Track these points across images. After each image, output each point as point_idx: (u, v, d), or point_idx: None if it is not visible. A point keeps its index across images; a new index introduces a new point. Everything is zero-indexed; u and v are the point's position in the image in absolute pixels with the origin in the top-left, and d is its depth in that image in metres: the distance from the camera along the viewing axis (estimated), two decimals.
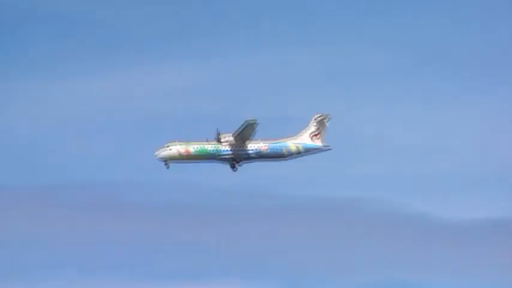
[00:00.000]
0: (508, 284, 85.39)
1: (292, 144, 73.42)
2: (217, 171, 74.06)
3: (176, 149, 69.64)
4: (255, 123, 66.57)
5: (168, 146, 69.49)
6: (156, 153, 69.66)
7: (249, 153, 70.52)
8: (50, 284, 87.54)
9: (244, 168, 71.28)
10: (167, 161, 70.05)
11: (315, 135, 73.63)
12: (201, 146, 70.77)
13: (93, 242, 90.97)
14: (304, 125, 74.90)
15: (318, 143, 73.52)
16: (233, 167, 70.32)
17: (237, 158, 70.23)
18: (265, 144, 72.46)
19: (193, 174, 76.26)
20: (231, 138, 68.73)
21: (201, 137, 71.42)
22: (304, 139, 73.11)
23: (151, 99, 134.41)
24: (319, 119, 71.92)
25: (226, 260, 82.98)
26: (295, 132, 74.51)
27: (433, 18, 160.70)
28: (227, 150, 69.68)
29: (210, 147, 70.39)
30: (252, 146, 70.73)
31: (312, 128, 73.46)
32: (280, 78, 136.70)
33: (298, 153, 72.88)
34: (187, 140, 70.80)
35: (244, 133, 67.92)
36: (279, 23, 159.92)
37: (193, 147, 70.18)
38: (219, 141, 69.68)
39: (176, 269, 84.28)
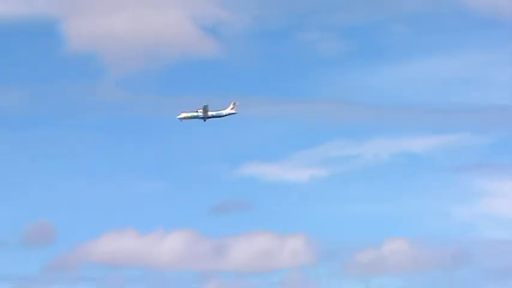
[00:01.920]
0: None
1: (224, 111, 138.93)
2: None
3: (184, 115, 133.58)
4: (207, 105, 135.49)
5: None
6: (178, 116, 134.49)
7: (208, 117, 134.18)
8: None
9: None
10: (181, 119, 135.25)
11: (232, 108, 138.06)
12: (193, 113, 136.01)
13: None
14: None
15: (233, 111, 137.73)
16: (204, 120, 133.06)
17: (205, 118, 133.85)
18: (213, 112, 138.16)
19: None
20: (201, 111, 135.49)
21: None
22: (228, 110, 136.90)
23: None
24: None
25: None
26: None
27: None
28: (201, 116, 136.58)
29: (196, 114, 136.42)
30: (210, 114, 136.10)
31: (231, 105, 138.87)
32: None
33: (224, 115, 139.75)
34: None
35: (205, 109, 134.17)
36: None
37: (190, 114, 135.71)
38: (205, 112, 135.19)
39: None
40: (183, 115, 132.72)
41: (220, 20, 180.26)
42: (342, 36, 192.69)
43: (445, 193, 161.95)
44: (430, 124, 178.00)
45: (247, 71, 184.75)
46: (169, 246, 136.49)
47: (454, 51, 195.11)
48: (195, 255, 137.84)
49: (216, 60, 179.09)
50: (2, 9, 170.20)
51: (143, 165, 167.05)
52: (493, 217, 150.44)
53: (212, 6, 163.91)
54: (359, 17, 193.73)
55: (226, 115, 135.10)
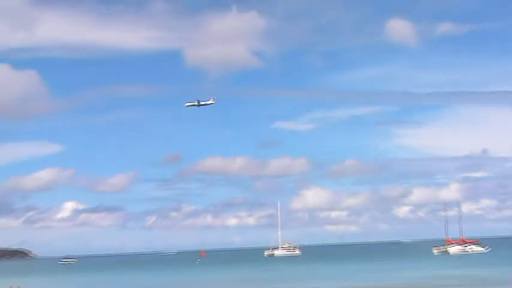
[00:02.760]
0: None
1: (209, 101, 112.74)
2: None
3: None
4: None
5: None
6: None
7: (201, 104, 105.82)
8: None
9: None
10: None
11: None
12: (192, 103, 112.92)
13: None
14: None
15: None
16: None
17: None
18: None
19: None
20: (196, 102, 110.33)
21: None
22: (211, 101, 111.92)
23: None
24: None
25: None
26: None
27: None
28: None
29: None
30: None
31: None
32: None
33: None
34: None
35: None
36: None
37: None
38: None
39: None
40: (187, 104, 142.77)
41: None
42: None
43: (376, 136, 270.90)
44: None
45: None
46: (239, 161, 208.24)
47: None
48: (250, 168, 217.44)
49: None
50: (147, 45, 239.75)
51: None
52: (401, 147, 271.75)
53: None
54: None
55: (210, 104, 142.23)
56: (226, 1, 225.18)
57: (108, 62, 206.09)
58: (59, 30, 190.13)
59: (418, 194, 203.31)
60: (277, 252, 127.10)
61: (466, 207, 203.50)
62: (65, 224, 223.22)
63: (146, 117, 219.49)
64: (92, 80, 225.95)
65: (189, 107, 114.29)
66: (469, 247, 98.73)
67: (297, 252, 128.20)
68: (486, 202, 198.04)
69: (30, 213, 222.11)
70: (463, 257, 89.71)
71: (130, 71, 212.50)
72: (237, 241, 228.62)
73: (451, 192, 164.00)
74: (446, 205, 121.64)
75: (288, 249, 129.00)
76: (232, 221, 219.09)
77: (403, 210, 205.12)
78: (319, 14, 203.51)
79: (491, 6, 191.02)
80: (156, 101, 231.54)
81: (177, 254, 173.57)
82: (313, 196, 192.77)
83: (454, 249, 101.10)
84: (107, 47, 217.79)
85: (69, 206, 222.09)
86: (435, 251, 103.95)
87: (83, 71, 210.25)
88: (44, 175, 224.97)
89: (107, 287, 61.20)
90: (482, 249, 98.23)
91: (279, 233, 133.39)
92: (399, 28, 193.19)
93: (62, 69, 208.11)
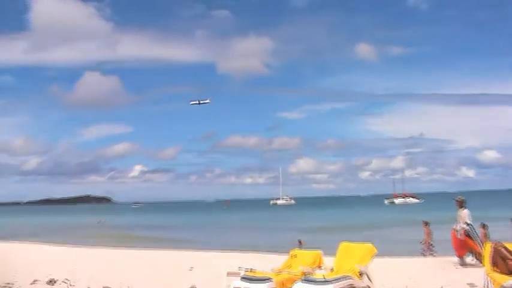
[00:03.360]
0: None
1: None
2: None
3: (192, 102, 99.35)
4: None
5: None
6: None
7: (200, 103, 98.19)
8: None
9: None
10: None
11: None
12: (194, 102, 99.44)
13: None
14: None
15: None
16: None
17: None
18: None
19: None
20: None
21: None
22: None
23: None
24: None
25: None
26: None
27: None
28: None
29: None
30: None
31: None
32: None
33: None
34: None
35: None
36: None
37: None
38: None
39: None
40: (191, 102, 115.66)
41: None
42: None
43: (349, 123, 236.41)
44: None
45: None
46: (253, 139, 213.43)
47: None
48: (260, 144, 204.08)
49: None
50: (192, 59, 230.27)
51: None
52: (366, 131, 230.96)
53: None
54: None
55: (207, 102, 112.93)
56: (246, 30, 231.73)
57: (165, 71, 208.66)
58: (133, 48, 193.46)
59: (376, 163, 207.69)
60: (279, 202, 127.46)
61: (407, 173, 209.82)
62: (135, 180, 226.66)
63: (190, 107, 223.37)
64: (154, 82, 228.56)
65: (193, 105, 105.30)
66: (408, 199, 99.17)
67: (292, 202, 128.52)
68: (421, 169, 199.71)
69: (112, 172, 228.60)
70: (404, 205, 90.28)
71: (180, 76, 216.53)
72: (251, 194, 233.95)
73: (398, 162, 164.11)
74: (394, 171, 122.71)
75: (286, 200, 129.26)
76: (248, 180, 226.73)
77: (365, 174, 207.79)
78: (309, 39, 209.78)
79: (427, 36, 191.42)
80: (196, 96, 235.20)
81: (210, 203, 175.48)
82: (304, 164, 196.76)
83: (398, 201, 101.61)
84: (165, 60, 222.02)
85: (137, 168, 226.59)
86: (386, 202, 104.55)
87: (148, 76, 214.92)
88: (121, 147, 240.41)
89: (163, 222, 62.19)
90: (418, 200, 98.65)
91: (280, 189, 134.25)
92: (365, 50, 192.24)
93: (134, 75, 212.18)
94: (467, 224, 12.04)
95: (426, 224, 17.63)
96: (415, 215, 40.48)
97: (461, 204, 12.33)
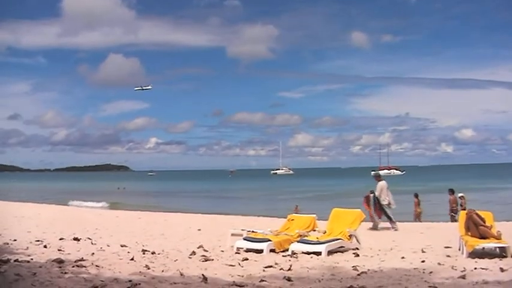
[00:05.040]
0: None
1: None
2: None
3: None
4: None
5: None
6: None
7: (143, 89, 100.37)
8: None
9: None
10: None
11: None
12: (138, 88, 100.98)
13: None
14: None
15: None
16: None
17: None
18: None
19: None
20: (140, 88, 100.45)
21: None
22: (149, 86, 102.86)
23: None
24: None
25: None
26: None
27: None
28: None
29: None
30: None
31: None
32: None
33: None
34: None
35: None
36: None
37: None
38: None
39: None
40: (135, 88, 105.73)
41: None
42: None
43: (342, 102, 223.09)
44: None
45: None
46: (258, 116, 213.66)
47: None
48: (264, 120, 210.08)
49: None
50: (205, 44, 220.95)
51: None
52: (357, 110, 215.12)
53: None
54: None
55: (149, 89, 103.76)
56: (254, 18, 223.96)
57: (181, 54, 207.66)
58: (152, 33, 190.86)
59: (366, 139, 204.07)
60: (278, 172, 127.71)
61: (393, 148, 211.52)
62: (151, 151, 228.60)
63: (202, 87, 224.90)
64: (170, 64, 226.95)
65: (137, 91, 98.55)
66: (392, 171, 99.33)
67: (291, 172, 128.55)
68: (405, 144, 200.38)
69: (130, 144, 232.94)
70: (388, 177, 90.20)
71: (193, 59, 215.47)
72: (254, 165, 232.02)
73: (385, 138, 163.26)
74: (381, 146, 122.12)
75: (286, 170, 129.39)
76: (251, 152, 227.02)
77: (356, 149, 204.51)
78: (309, 27, 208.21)
79: (413, 26, 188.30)
80: (208, 77, 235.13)
81: (217, 171, 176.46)
82: (302, 138, 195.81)
83: (383, 172, 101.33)
84: (181, 44, 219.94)
85: (153, 140, 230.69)
86: (372, 173, 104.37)
87: (165, 58, 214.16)
88: (139, 121, 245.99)
89: (176, 189, 62.58)
90: (400, 172, 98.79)
91: (280, 160, 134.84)
92: (359, 37, 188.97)
93: (153, 57, 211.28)
94: (372, 192, 13.23)
95: (416, 196, 18.36)
96: (398, 187, 40.61)
97: (379, 179, 13.73)
